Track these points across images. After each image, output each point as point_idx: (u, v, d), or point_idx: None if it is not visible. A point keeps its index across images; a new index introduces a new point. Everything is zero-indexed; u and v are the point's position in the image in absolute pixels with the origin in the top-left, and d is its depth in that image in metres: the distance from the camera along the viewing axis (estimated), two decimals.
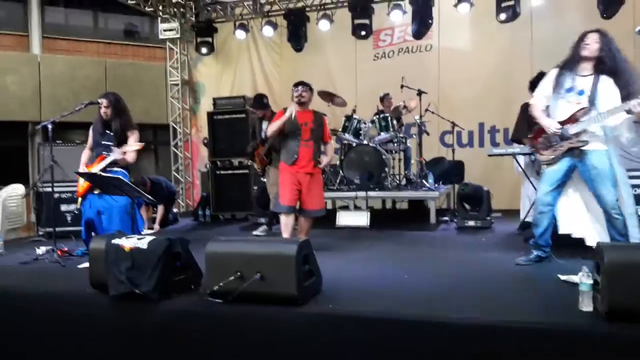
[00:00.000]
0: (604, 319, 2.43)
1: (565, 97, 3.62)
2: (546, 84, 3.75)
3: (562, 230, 3.83)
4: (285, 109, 4.59)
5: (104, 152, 4.49)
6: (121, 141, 4.53)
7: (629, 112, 3.36)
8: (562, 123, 3.61)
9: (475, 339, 2.50)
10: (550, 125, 3.65)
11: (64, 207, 6.04)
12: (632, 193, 3.64)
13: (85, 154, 4.67)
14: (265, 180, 6.08)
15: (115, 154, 4.44)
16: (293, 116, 4.51)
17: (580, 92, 3.54)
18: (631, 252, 2.57)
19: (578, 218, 3.77)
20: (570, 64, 3.63)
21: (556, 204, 3.76)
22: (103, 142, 4.53)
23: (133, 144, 4.50)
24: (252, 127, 6.25)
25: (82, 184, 4.46)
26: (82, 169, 4.52)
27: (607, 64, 3.47)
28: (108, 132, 4.54)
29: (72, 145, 6.42)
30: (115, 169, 4.47)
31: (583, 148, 3.57)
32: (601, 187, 3.52)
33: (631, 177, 4.41)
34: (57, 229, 4.92)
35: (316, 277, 3.11)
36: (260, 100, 6.15)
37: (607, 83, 3.48)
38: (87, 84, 8.87)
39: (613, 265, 2.43)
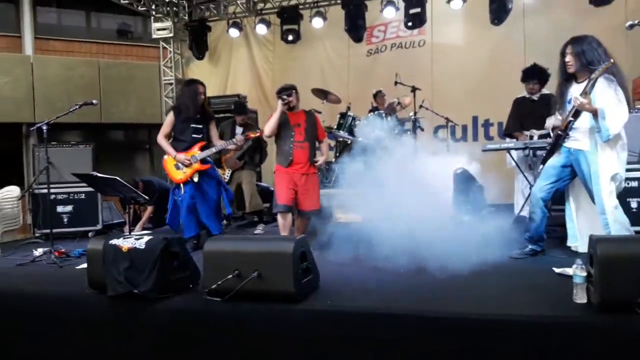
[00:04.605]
0: (597, 310, 2.46)
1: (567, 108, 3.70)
2: (554, 103, 3.87)
3: (582, 249, 3.71)
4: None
5: (196, 137, 4.70)
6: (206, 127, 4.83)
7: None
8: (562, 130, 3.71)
9: (470, 333, 2.53)
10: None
11: (60, 209, 6.03)
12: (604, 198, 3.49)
13: (165, 141, 4.74)
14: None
15: (235, 141, 4.82)
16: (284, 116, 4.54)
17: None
18: (623, 245, 2.60)
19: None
20: (567, 80, 3.71)
21: (549, 198, 3.79)
22: (192, 126, 4.71)
23: (254, 131, 5.07)
24: (220, 133, 6.15)
25: (185, 170, 4.61)
26: (179, 157, 4.61)
27: (594, 64, 3.47)
28: (196, 117, 4.72)
29: (67, 146, 6.40)
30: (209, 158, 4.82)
31: (574, 147, 3.63)
32: (589, 187, 3.57)
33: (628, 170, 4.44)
34: (54, 231, 4.93)
35: (313, 274, 3.13)
36: (243, 106, 6.23)
37: (600, 84, 3.44)
38: (81, 84, 8.83)
39: (605, 257, 2.46)
